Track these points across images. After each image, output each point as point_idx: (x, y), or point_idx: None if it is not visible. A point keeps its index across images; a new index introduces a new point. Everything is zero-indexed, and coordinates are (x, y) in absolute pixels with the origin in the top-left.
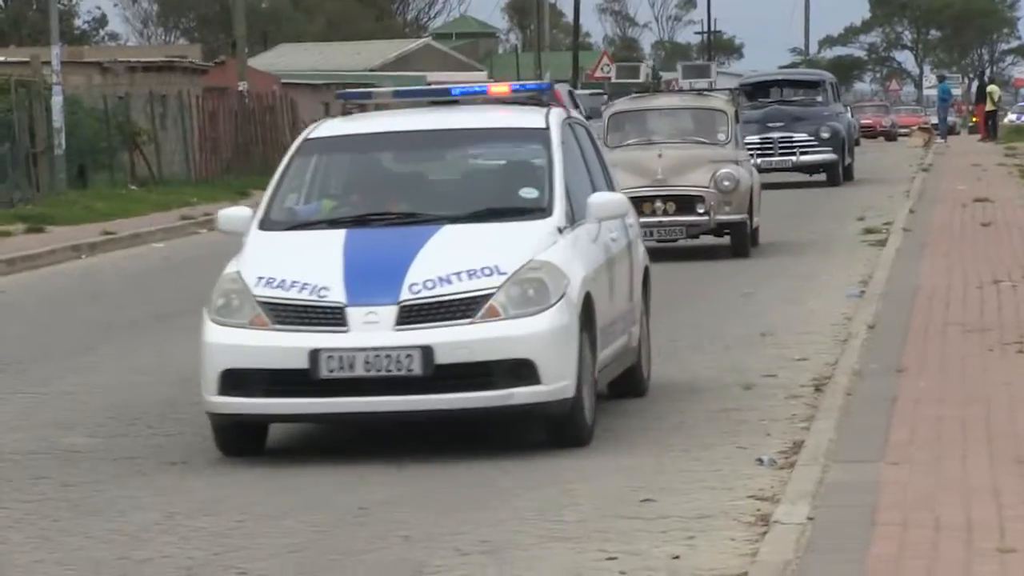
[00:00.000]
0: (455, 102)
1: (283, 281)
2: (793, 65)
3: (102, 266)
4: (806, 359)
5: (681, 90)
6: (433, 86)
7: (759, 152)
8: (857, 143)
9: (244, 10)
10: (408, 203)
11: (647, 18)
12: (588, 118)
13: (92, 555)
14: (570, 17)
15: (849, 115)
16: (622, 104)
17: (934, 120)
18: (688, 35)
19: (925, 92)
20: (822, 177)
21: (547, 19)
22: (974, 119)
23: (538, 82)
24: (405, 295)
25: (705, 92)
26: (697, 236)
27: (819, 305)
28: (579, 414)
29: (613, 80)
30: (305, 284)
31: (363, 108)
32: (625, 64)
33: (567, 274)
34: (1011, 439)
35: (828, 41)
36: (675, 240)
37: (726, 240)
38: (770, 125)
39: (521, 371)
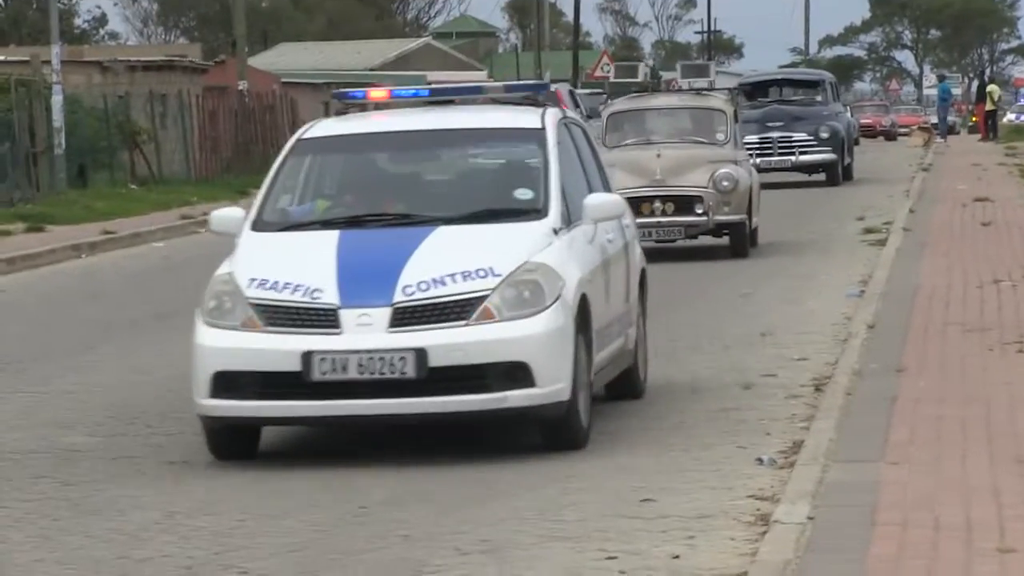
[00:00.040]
0: (450, 102)
1: (276, 283)
2: (793, 65)
3: (102, 265)
4: (806, 359)
5: (680, 90)
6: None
7: (758, 152)
8: (856, 143)
9: (244, 9)
10: (402, 204)
11: (647, 17)
12: (588, 117)
13: (92, 554)
14: (570, 16)
15: (848, 115)
16: (621, 104)
17: (934, 120)
18: (688, 35)
19: (925, 92)
20: (821, 177)
21: (547, 18)
22: (974, 118)
23: (534, 81)
24: (399, 297)
25: (704, 92)
26: (696, 237)
27: (819, 305)
28: (574, 417)
29: (612, 80)
30: (298, 286)
31: (363, 108)
32: (624, 64)
33: (562, 276)
34: (1011, 439)
35: (828, 41)
36: (674, 240)
37: (725, 240)
38: (769, 125)
39: (516, 374)
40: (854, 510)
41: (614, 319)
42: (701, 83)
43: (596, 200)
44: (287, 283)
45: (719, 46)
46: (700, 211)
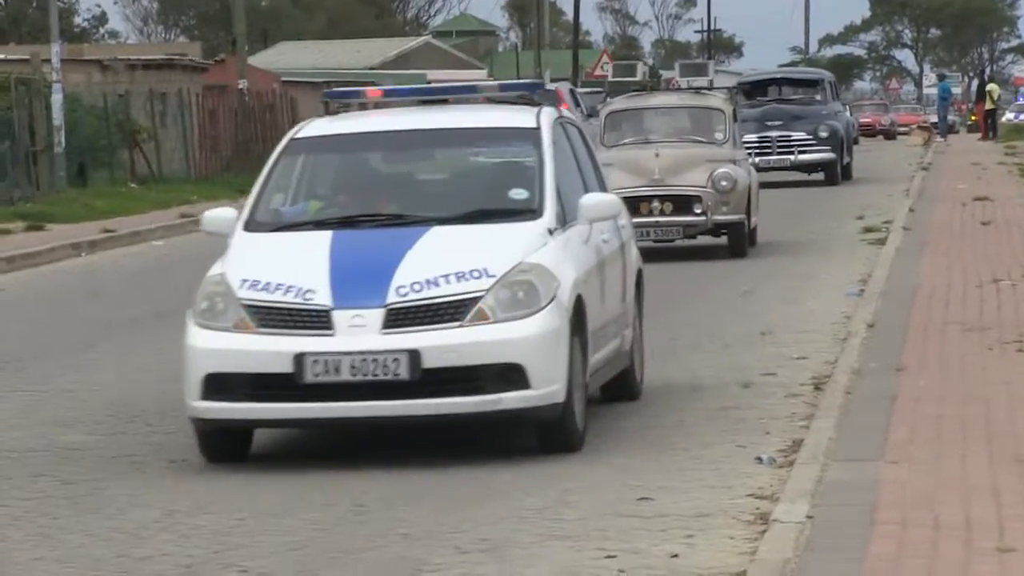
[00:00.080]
0: (445, 101)
1: (268, 283)
2: (793, 64)
3: (102, 264)
4: (805, 358)
5: (679, 89)
6: (433, 84)
7: (757, 151)
8: (856, 142)
9: (244, 8)
10: (396, 204)
11: (647, 16)
12: (589, 116)
13: (92, 553)
14: (570, 15)
15: (848, 114)
16: (619, 103)
17: (933, 119)
18: (688, 34)
19: (925, 91)
20: (820, 176)
21: (547, 17)
22: (973, 117)
23: (528, 80)
24: (392, 298)
25: (703, 91)
26: (694, 236)
27: (818, 304)
28: (570, 419)
29: (610, 79)
30: (290, 287)
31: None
32: (622, 63)
33: (557, 276)
34: (1010, 438)
35: (828, 40)
36: (672, 240)
37: (723, 240)
38: (768, 124)
39: (510, 375)
40: (853, 509)
41: (610, 320)
42: (700, 82)
43: (591, 200)
44: (279, 284)
45: (719, 45)
46: (699, 211)
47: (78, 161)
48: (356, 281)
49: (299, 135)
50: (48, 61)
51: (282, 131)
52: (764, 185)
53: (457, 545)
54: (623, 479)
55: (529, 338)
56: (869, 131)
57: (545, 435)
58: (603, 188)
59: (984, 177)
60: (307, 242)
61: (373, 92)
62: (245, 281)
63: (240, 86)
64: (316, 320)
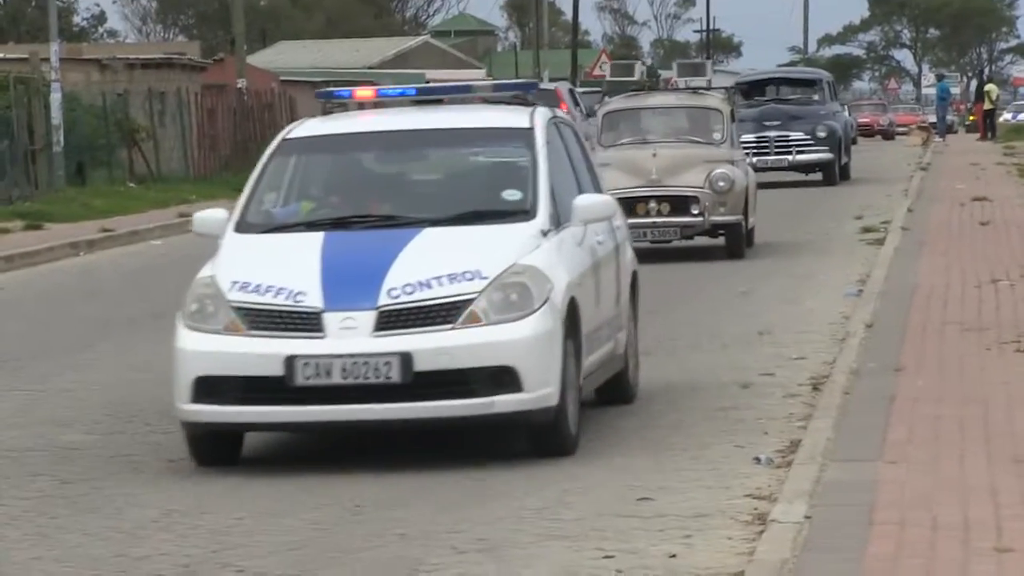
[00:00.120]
0: (438, 101)
1: (258, 286)
2: (792, 64)
3: (100, 263)
4: (804, 358)
5: (677, 89)
6: (432, 84)
7: (755, 151)
8: (854, 142)
9: (243, 7)
10: (388, 205)
11: (646, 16)
12: (589, 116)
13: (90, 552)
14: (569, 15)
15: (846, 114)
16: (616, 103)
17: (932, 119)
18: (687, 33)
19: (924, 91)
20: (818, 176)
21: (546, 17)
22: (971, 117)
23: (523, 80)
24: (384, 300)
25: (701, 91)
26: (692, 237)
27: (817, 304)
28: (563, 423)
29: (608, 78)
30: (281, 289)
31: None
32: (620, 62)
33: (551, 278)
34: (1009, 438)
35: (827, 40)
36: (669, 241)
37: (721, 241)
38: (766, 124)
39: (503, 378)
40: (852, 509)
41: (604, 322)
42: (698, 82)
43: (586, 201)
44: (270, 286)
45: (718, 45)
46: (696, 211)
47: (77, 160)
48: (347, 283)
49: (291, 135)
50: (47, 60)
51: (280, 130)
52: (762, 185)
53: (454, 545)
54: (621, 479)
55: (522, 341)
56: (867, 131)
57: (538, 439)
58: (598, 189)
59: (983, 177)
60: (298, 243)
61: (365, 92)
62: (235, 283)
63: (239, 85)
64: (307, 322)
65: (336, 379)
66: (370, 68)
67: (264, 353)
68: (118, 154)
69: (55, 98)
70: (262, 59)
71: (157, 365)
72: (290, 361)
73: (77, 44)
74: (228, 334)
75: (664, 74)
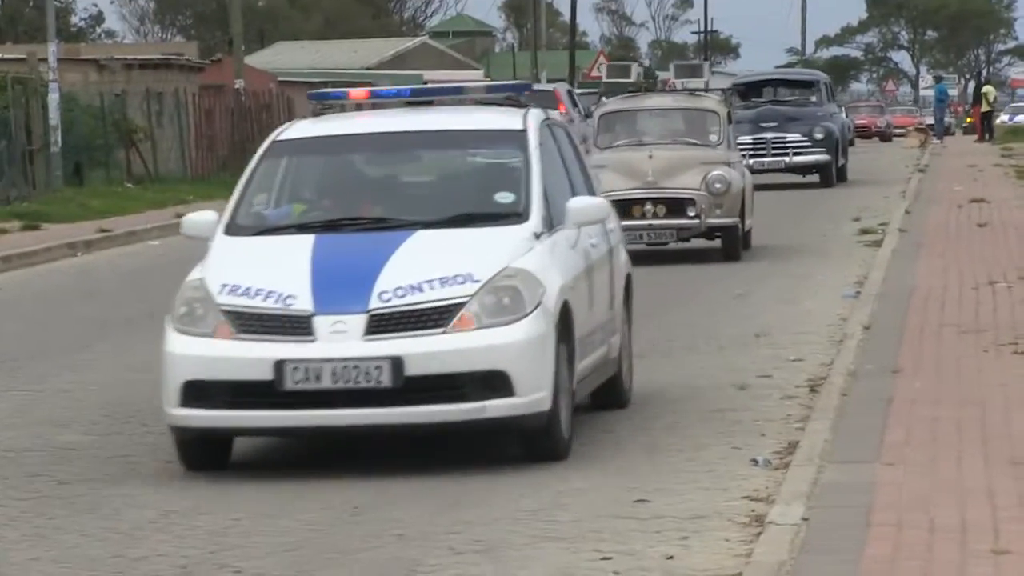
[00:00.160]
0: (430, 103)
1: (248, 289)
2: (789, 65)
3: (98, 264)
4: (801, 360)
5: (673, 90)
6: (430, 84)
7: (752, 153)
8: (852, 143)
9: (241, 8)
10: (380, 207)
11: (644, 17)
12: (587, 117)
13: (87, 553)
14: (567, 16)
15: (843, 115)
16: (613, 104)
17: (930, 120)
18: (685, 35)
19: (921, 93)
20: (815, 178)
21: (544, 18)
22: (969, 119)
23: (516, 82)
24: (374, 303)
25: (697, 93)
26: (688, 239)
27: (814, 306)
28: (555, 427)
29: (604, 80)
30: (271, 292)
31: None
32: (616, 64)
33: (543, 282)
34: (1006, 440)
35: (825, 41)
36: (665, 243)
37: (717, 243)
38: (763, 125)
39: (495, 383)
40: (849, 511)
41: (597, 326)
42: (695, 83)
43: (579, 204)
44: (259, 289)
45: (716, 46)
46: (692, 213)
47: (74, 160)
48: (338, 286)
49: (281, 137)
50: (45, 60)
51: None
52: (759, 187)
53: (452, 546)
54: (618, 481)
55: (514, 345)
56: (865, 133)
57: (531, 443)
58: (591, 191)
59: (980, 179)
60: (288, 246)
61: (358, 93)
62: (225, 286)
63: (237, 86)
64: (297, 326)
65: (326, 383)
66: (368, 69)
67: (253, 357)
68: (116, 154)
69: (53, 98)
70: (260, 60)
71: (155, 366)
72: (280, 365)
73: (75, 44)
74: (217, 338)
75: (661, 75)
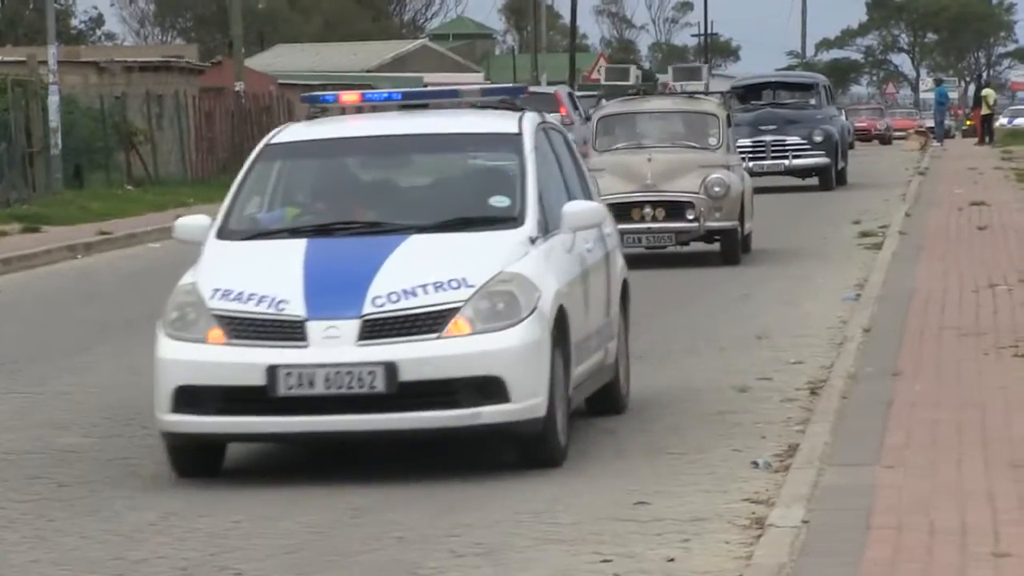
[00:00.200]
0: (424, 106)
1: (240, 293)
2: (789, 68)
3: (98, 266)
4: (801, 362)
5: (673, 93)
6: (430, 87)
7: (751, 155)
8: (851, 146)
9: (241, 10)
10: (374, 211)
11: (644, 20)
12: (588, 119)
13: (87, 555)
14: (567, 19)
15: (843, 118)
16: (612, 107)
17: (930, 123)
18: (685, 37)
19: (922, 95)
20: (815, 181)
21: (544, 20)
22: (969, 122)
23: (511, 85)
24: (368, 308)
25: (697, 95)
26: (687, 243)
27: (814, 308)
28: (551, 434)
29: (603, 82)
30: (263, 297)
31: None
32: (615, 66)
33: (539, 287)
34: (1006, 443)
35: (825, 44)
36: (664, 247)
37: (717, 247)
38: (762, 128)
39: (489, 389)
40: (849, 514)
41: (594, 332)
42: (694, 86)
43: (575, 208)
44: (252, 294)
45: (716, 49)
46: (691, 217)
47: (74, 163)
48: (331, 291)
49: (274, 141)
50: (45, 63)
51: None
52: (758, 190)
53: (452, 549)
54: (618, 483)
55: (509, 350)
56: (865, 136)
57: (526, 450)
58: (588, 196)
59: (980, 182)
60: (281, 251)
61: (350, 96)
62: (217, 291)
63: (237, 88)
64: (289, 331)
65: (319, 389)
66: (368, 71)
67: (246, 362)
68: (116, 157)
69: (53, 101)
70: (260, 62)
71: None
72: (272, 371)
73: (75, 47)
74: (209, 343)
75: (661, 78)
